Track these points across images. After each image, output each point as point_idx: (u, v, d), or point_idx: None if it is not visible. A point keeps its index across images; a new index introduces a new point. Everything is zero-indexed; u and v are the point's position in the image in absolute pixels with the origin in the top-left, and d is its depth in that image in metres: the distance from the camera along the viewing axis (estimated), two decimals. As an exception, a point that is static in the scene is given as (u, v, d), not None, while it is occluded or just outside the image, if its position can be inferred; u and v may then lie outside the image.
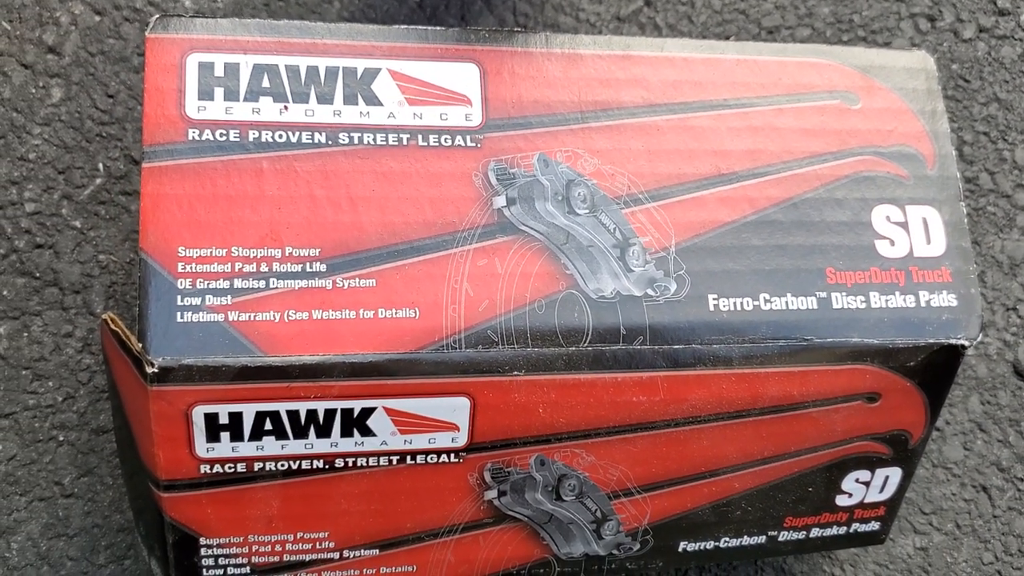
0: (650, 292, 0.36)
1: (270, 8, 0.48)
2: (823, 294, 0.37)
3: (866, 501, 0.41)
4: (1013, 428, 0.51)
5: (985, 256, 0.53)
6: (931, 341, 0.37)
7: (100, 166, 0.46)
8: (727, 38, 0.52)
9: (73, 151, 0.46)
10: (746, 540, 0.41)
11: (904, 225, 0.38)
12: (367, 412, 0.34)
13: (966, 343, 0.37)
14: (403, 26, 0.37)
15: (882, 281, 0.37)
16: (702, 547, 0.40)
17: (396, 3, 0.49)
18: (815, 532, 0.41)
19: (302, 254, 0.34)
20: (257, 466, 0.34)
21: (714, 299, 0.36)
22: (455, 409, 0.34)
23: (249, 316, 0.33)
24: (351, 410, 0.34)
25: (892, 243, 0.38)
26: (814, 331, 0.36)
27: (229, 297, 0.33)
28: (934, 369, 0.38)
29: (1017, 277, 0.53)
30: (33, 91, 0.46)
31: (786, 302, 0.36)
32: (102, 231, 0.45)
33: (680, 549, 0.40)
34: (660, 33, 0.51)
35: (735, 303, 0.36)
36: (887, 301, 0.37)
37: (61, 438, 0.44)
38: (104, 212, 0.45)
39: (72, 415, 0.44)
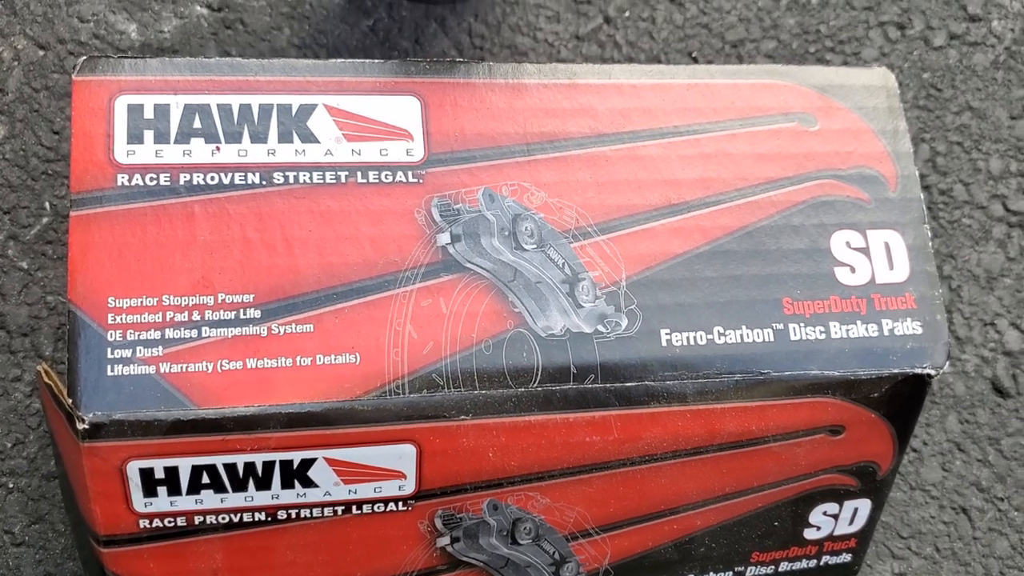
0: (601, 328, 0.34)
1: (219, 37, 0.47)
2: (780, 325, 0.35)
3: (836, 534, 0.40)
4: (992, 447, 0.50)
5: (961, 270, 0.51)
6: (895, 371, 0.36)
7: (46, 204, 0.45)
8: (690, 54, 0.51)
9: (18, 190, 0.45)
10: (712, 577, 0.40)
11: (865, 251, 0.37)
12: (308, 463, 0.33)
13: (932, 372, 0.36)
14: (339, 60, 0.36)
15: (842, 310, 0.36)
16: (667, 585, 0.39)
17: (348, 28, 0.48)
18: (784, 566, 0.40)
19: (235, 300, 0.32)
20: (197, 520, 0.33)
21: (667, 334, 0.35)
22: (401, 457, 0.33)
23: (181, 367, 0.32)
24: (290, 462, 0.33)
25: (853, 270, 0.37)
26: (771, 364, 0.35)
27: (160, 348, 0.32)
28: (900, 399, 0.36)
29: (994, 291, 0.51)
30: (-24, 129, 0.45)
31: (741, 335, 0.35)
32: (50, 271, 0.44)
33: (644, 588, 0.39)
34: (621, 51, 0.50)
35: (688, 337, 0.35)
36: (848, 331, 0.36)
37: (11, 485, 0.43)
38: (51, 252, 0.44)
39: (22, 461, 0.43)
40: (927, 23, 0.54)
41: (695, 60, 0.51)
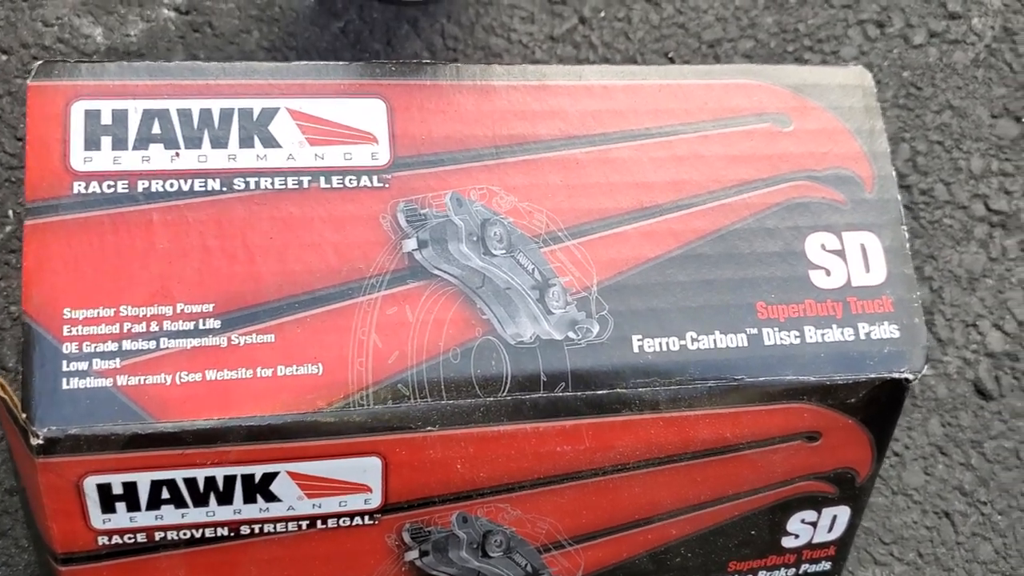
0: (571, 335, 0.34)
1: (186, 40, 0.46)
2: (753, 330, 0.35)
3: (814, 541, 0.39)
4: (975, 450, 0.49)
5: (942, 271, 0.51)
6: (872, 376, 0.35)
7: (10, 213, 0.44)
8: (666, 54, 0.50)
9: (-19, 197, 0.44)
10: (689, 587, 0.39)
11: (841, 253, 0.36)
12: (270, 477, 0.32)
13: (910, 376, 0.35)
14: (302, 63, 0.35)
15: (817, 314, 0.35)
16: (643, 596, 0.38)
17: (317, 30, 0.47)
18: (762, 575, 0.39)
19: (195, 310, 0.32)
20: (158, 536, 0.32)
21: (639, 340, 0.34)
22: (366, 470, 0.32)
23: (139, 380, 0.31)
24: (252, 476, 0.32)
25: (828, 273, 0.36)
26: (745, 370, 0.34)
27: (118, 360, 0.31)
28: (877, 405, 0.36)
29: (976, 292, 0.51)
30: (-64, 136, 0.44)
31: (714, 340, 0.34)
32: (13, 280, 0.43)
33: (620, 599, 0.38)
34: (596, 51, 0.49)
35: (661, 343, 0.34)
36: (823, 335, 0.35)
37: (-25, 499, 0.42)
38: (15, 261, 0.43)
39: (-14, 475, 0.42)
40: (907, 21, 0.53)
41: (671, 60, 0.50)
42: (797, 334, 0.35)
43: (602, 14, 0.50)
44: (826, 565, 0.40)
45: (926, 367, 0.45)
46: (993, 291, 0.51)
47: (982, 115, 0.53)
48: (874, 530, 0.47)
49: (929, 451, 0.49)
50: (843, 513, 0.39)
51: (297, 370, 0.32)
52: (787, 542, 0.39)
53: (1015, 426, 0.49)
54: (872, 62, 0.52)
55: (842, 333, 0.35)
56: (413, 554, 0.35)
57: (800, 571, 0.40)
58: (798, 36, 0.52)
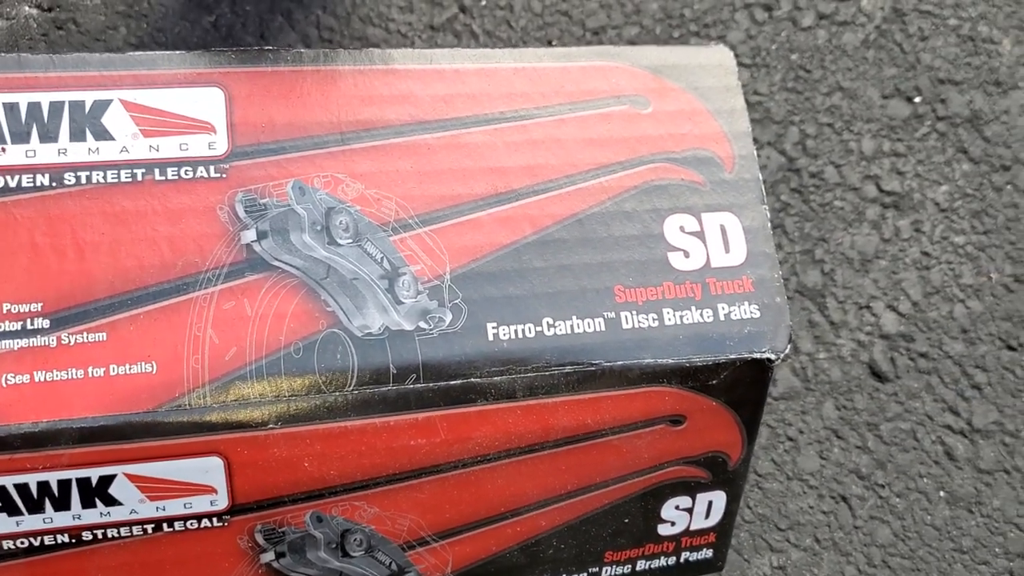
0: (423, 325, 0.33)
1: (49, 38, 0.45)
2: (611, 314, 0.34)
3: (692, 528, 0.38)
4: (872, 432, 0.49)
5: (834, 253, 0.50)
6: (733, 357, 0.34)
7: None
8: (549, 42, 0.49)
9: None
10: (566, 579, 0.38)
11: (700, 235, 0.36)
12: (107, 480, 0.31)
13: (772, 356, 0.35)
14: (137, 52, 0.34)
15: (676, 296, 0.35)
16: (518, 591, 0.38)
17: (188, 25, 0.46)
18: (641, 565, 0.39)
19: (22, 310, 0.30)
20: (-6, 546, 0.31)
21: (493, 327, 0.33)
22: (207, 470, 0.31)
23: (-38, 383, 0.29)
24: (88, 479, 0.31)
25: (687, 255, 0.35)
26: (602, 354, 0.33)
27: (-61, 364, 0.30)
28: (741, 386, 0.35)
29: (869, 273, 0.50)
30: None
31: (571, 325, 0.34)
32: None
33: (494, 595, 0.37)
34: (478, 40, 0.49)
35: (516, 330, 0.33)
36: (682, 317, 0.34)
37: None
38: None
39: None
40: (795, 3, 0.53)
41: (554, 48, 0.49)
42: (655, 317, 0.34)
43: (483, 2, 0.49)
44: (708, 552, 0.40)
45: (822, 351, 0.44)
46: (887, 272, 0.51)
47: (873, 96, 0.52)
48: (769, 516, 0.47)
49: (824, 435, 0.48)
50: (719, 498, 0.38)
51: (130, 369, 0.30)
52: (663, 529, 0.38)
53: (911, 407, 0.49)
54: (760, 46, 0.52)
55: (701, 315, 0.35)
56: (269, 556, 0.34)
57: (681, 559, 0.39)
58: (684, 21, 0.51)
